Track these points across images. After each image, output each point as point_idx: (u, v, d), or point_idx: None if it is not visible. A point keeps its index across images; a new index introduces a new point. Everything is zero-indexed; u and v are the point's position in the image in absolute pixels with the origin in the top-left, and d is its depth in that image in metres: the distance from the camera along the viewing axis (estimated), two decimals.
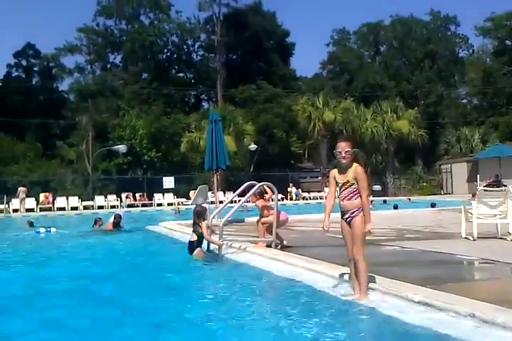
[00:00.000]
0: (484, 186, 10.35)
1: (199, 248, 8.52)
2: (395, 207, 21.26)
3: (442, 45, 60.15)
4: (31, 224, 17.26)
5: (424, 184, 42.67)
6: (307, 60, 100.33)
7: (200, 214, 8.67)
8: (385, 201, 28.48)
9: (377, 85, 53.97)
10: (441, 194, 39.35)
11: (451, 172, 40.95)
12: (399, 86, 55.93)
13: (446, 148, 48.98)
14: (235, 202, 15.66)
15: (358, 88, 53.86)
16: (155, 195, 34.84)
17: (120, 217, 15.32)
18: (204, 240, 8.72)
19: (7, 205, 29.31)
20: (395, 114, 42.66)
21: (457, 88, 62.15)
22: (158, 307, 5.32)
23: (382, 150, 42.94)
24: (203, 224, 8.55)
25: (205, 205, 10.03)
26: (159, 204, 33.97)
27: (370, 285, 5.22)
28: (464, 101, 64.29)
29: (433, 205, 21.06)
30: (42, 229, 15.44)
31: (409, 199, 26.44)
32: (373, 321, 4.45)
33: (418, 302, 4.62)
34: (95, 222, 15.26)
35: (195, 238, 8.50)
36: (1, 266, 8.87)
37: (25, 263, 9.44)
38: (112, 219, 15.18)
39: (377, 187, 40.12)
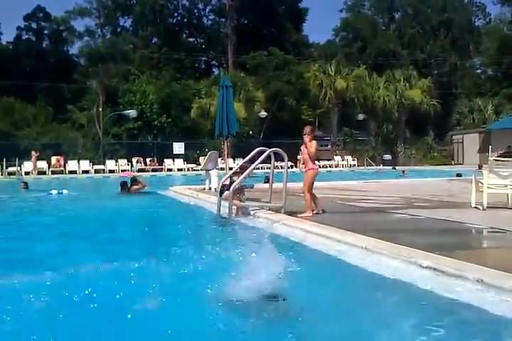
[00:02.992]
0: (496, 156, 10.28)
1: (227, 191, 8.93)
2: (459, 175, 20.01)
3: (458, 14, 58.64)
4: (26, 186, 17.40)
5: (435, 154, 42.47)
6: (320, 26, 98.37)
7: (242, 168, 9.36)
8: (394, 168, 28.16)
9: (390, 53, 53.00)
10: (451, 164, 39.16)
11: (462, 142, 40.63)
12: (412, 54, 54.87)
13: (458, 118, 48.42)
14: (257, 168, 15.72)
15: (371, 56, 52.92)
16: (165, 160, 35.08)
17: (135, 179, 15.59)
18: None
19: (19, 168, 29.65)
20: (407, 83, 42.08)
21: (472, 58, 60.89)
22: None
23: (393, 119, 42.59)
24: (240, 176, 8.94)
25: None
26: (169, 170, 34.23)
27: (378, 250, 5.31)
28: (478, 71, 63.09)
29: (459, 175, 20.32)
30: (54, 191, 15.70)
31: (404, 172, 25.62)
32: (379, 286, 4.51)
33: (426, 267, 4.68)
34: (122, 187, 15.35)
35: (227, 182, 9.38)
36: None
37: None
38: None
39: (387, 157, 40.01)
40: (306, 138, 8.33)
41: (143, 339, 3.50)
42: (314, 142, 8.38)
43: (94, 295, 4.09)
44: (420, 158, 41.70)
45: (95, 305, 3.91)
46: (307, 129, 8.42)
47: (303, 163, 8.53)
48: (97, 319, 3.75)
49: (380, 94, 40.87)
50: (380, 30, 59.94)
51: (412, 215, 8.31)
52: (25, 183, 17.91)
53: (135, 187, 15.15)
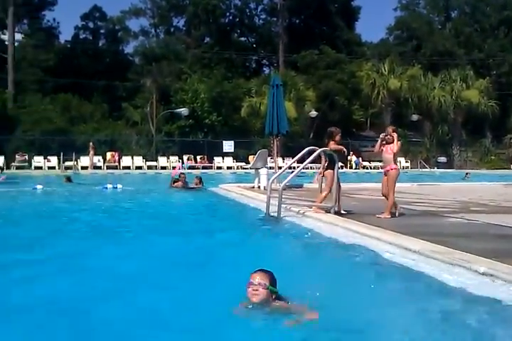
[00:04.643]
0: None
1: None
2: None
3: None
4: (69, 179, 18.20)
5: (493, 157, 41.01)
6: (373, 25, 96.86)
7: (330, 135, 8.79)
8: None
9: (446, 53, 51.47)
10: (510, 168, 37.70)
11: None
12: (470, 54, 53.08)
13: None
14: (294, 167, 15.63)
15: (426, 55, 51.60)
16: (215, 158, 35.50)
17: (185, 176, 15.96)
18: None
19: (75, 162, 30.70)
20: (464, 84, 40.86)
21: None
22: None
23: (449, 120, 41.44)
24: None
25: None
26: (219, 168, 34.60)
27: (433, 254, 5.16)
28: None
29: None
30: (109, 186, 16.17)
31: (468, 174, 25.18)
32: (434, 291, 4.38)
33: (483, 274, 4.51)
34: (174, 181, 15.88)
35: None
36: None
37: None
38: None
39: (442, 159, 38.95)
40: (390, 138, 8.23)
41: None
42: (399, 142, 8.34)
43: None
44: (477, 162, 40.38)
45: None
46: (390, 129, 8.37)
47: (382, 163, 8.52)
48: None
49: (436, 94, 39.86)
50: (435, 29, 58.36)
51: (467, 220, 8.05)
52: (69, 177, 18.83)
53: (177, 184, 15.56)
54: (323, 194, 8.73)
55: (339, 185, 8.76)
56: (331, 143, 8.64)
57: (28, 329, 3.55)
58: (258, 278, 3.71)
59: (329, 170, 8.64)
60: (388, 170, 8.24)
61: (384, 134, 8.36)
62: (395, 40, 59.97)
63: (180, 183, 15.61)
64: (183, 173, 16.60)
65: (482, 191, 15.09)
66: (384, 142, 8.31)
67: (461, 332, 3.45)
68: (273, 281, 3.76)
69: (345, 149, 8.79)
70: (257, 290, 3.67)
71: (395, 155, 8.30)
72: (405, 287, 4.55)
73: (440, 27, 60.36)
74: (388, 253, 5.60)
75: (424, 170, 33.84)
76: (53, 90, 41.13)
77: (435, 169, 34.05)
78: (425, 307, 3.93)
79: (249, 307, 3.67)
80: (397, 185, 8.42)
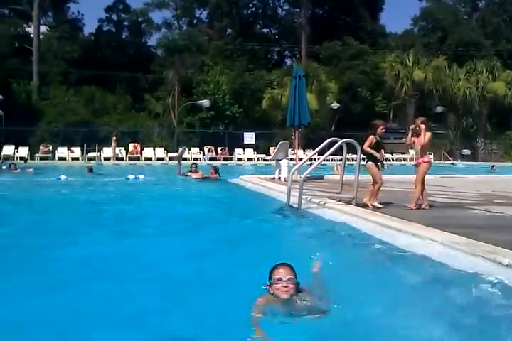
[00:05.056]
0: None
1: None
2: None
3: None
4: (91, 170, 18.69)
5: None
6: (398, 16, 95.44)
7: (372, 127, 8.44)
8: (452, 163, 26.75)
9: (472, 44, 50.47)
10: None
11: None
12: (497, 45, 51.98)
13: None
14: (315, 159, 15.58)
15: (452, 46, 50.69)
16: (236, 149, 35.51)
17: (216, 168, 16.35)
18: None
19: (99, 153, 31.06)
20: (490, 75, 40.04)
21: None
22: None
23: (474, 112, 40.68)
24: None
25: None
26: (239, 159, 34.63)
27: (456, 246, 5.08)
28: None
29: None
30: (131, 176, 16.35)
31: (494, 166, 24.89)
32: (459, 283, 4.32)
33: (507, 266, 4.42)
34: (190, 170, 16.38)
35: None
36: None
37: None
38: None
39: (466, 152, 38.35)
40: (421, 130, 8.06)
41: None
42: (429, 134, 8.15)
43: None
44: (502, 154, 39.64)
45: None
46: (418, 121, 8.22)
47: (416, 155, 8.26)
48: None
49: (461, 86, 39.17)
50: (461, 19, 57.28)
51: (491, 212, 7.92)
52: (91, 168, 19.42)
53: (195, 174, 16.01)
54: (370, 188, 8.32)
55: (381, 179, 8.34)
56: (369, 138, 8.23)
57: None
58: (287, 274, 3.53)
59: (370, 163, 8.26)
60: (420, 163, 8.12)
61: (414, 126, 8.23)
62: (419, 30, 59.01)
63: (199, 173, 15.85)
64: (194, 163, 16.85)
65: (506, 183, 14.83)
66: (414, 134, 8.16)
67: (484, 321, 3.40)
68: (295, 273, 3.62)
69: (376, 154, 8.17)
70: (287, 286, 3.48)
71: (424, 148, 8.15)
72: (428, 278, 4.50)
73: (466, 17, 59.20)
74: (411, 245, 5.55)
75: (446, 162, 33.37)
76: (77, 82, 41.57)
77: (458, 161, 33.51)
78: (450, 297, 3.90)
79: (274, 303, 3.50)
80: (413, 177, 8.30)
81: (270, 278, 3.58)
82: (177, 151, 34.56)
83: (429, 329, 3.34)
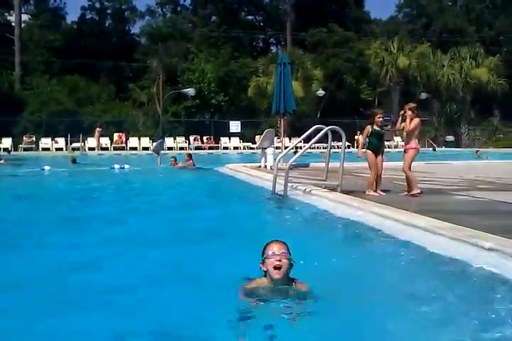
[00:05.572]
0: None
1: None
2: None
3: None
4: (74, 161, 18.67)
5: (501, 136, 40.64)
6: (382, 2, 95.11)
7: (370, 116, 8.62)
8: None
9: (456, 30, 50.57)
10: None
11: None
12: (480, 31, 52.15)
13: None
14: (300, 147, 15.61)
15: (436, 33, 50.78)
16: (221, 138, 35.45)
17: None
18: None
19: (83, 143, 30.81)
20: (474, 61, 40.26)
21: None
22: None
23: (458, 98, 40.95)
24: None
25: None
26: (225, 148, 34.58)
27: (439, 231, 5.16)
28: None
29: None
30: (116, 166, 16.28)
31: (478, 151, 25.19)
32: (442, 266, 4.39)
33: (488, 249, 4.50)
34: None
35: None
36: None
37: None
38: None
39: (450, 138, 38.67)
40: (408, 116, 8.01)
41: None
42: (417, 120, 8.08)
43: None
44: (485, 140, 40.05)
45: None
46: (406, 107, 8.17)
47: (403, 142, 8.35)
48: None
49: (445, 72, 39.35)
50: (445, 5, 57.26)
51: (474, 197, 8.03)
52: (74, 159, 19.37)
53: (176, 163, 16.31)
54: (370, 177, 8.33)
55: (381, 167, 8.41)
56: (366, 128, 8.34)
57: None
58: (280, 248, 3.42)
59: (368, 151, 8.33)
60: (408, 149, 8.15)
61: (403, 111, 8.26)
62: (404, 17, 59.00)
63: (180, 164, 16.06)
64: (173, 157, 17.00)
65: (488, 169, 15.00)
66: (404, 119, 8.16)
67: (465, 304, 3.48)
68: (290, 252, 3.48)
69: (360, 141, 8.44)
70: (280, 260, 3.35)
71: (411, 134, 8.12)
72: (410, 263, 4.57)
73: (451, 4, 59.23)
74: (394, 230, 5.62)
75: (427, 149, 33.66)
76: (60, 71, 41.00)
77: (438, 148, 33.77)
78: (431, 281, 3.97)
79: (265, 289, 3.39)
80: (401, 163, 8.38)
81: (263, 254, 3.47)
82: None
83: (407, 311, 3.40)
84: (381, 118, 8.28)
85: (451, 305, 3.44)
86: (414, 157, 8.21)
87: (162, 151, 19.50)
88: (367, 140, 8.36)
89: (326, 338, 3.00)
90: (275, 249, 3.42)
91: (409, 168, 8.14)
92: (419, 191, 8.01)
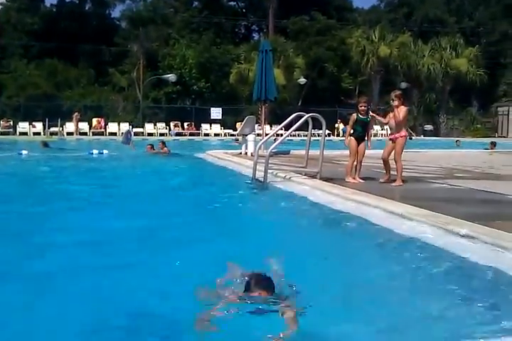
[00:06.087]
0: None
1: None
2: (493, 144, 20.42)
3: None
4: (46, 145, 18.47)
5: (478, 126, 41.24)
6: None
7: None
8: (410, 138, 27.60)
9: (437, 20, 50.87)
10: (495, 136, 37.98)
11: (508, 115, 39.28)
12: (460, 22, 52.52)
13: (505, 89, 46.56)
14: (281, 135, 15.64)
15: (417, 23, 51.00)
16: (202, 124, 35.29)
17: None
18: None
19: (61, 128, 30.38)
20: (453, 52, 40.62)
21: None
22: None
23: (437, 88, 41.33)
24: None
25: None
26: (206, 134, 34.46)
27: (416, 217, 5.24)
28: None
29: (493, 144, 20.32)
30: (95, 151, 16.14)
31: (458, 141, 25.60)
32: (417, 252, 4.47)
33: (464, 236, 4.59)
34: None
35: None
36: None
37: None
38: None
39: (428, 127, 39.07)
40: (395, 104, 7.97)
41: None
42: (405, 108, 8.07)
43: None
44: (463, 130, 40.59)
45: None
46: (393, 94, 8.11)
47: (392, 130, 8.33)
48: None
49: (425, 62, 39.64)
50: None
51: (451, 185, 8.16)
52: (45, 143, 19.11)
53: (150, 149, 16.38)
54: (349, 163, 8.41)
55: (363, 154, 8.44)
56: (353, 115, 8.34)
57: None
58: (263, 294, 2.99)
59: (350, 138, 8.35)
60: (397, 138, 8.11)
61: (391, 101, 8.23)
62: (386, 6, 59.06)
63: (153, 149, 16.16)
64: (150, 144, 16.93)
65: (466, 158, 15.24)
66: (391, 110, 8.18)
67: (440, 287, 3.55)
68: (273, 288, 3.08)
69: (347, 131, 8.56)
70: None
71: (401, 124, 8.07)
72: (387, 248, 4.65)
73: None
74: (372, 217, 5.69)
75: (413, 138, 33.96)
76: (39, 55, 40.17)
77: (414, 136, 34.13)
78: (409, 266, 4.06)
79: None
80: (381, 152, 8.45)
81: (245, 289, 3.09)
82: (142, 126, 34.18)
83: (384, 296, 3.47)
84: (363, 107, 8.30)
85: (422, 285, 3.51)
86: (405, 145, 8.22)
87: (142, 137, 19.33)
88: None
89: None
90: (261, 295, 3.01)
91: (400, 157, 8.13)
92: (401, 183, 8.02)
